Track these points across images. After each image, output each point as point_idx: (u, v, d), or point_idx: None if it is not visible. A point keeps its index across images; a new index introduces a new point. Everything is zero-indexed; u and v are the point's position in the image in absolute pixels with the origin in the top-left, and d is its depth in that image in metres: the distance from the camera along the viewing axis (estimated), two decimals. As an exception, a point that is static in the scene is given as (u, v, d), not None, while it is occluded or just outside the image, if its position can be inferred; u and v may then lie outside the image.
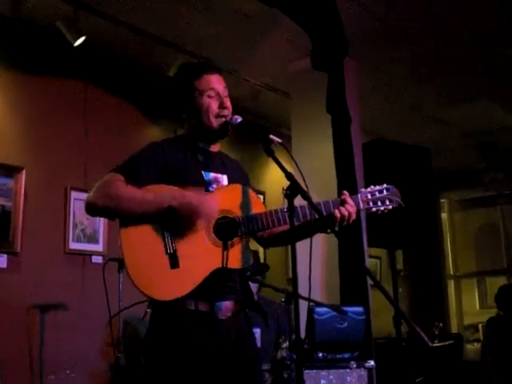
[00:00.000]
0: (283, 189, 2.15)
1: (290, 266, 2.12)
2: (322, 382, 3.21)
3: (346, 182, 4.52)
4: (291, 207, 2.14)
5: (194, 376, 2.14)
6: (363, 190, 2.43)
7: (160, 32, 4.93)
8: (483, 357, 6.16)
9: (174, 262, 2.17)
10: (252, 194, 2.37)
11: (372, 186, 2.42)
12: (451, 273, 9.86)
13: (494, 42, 5.22)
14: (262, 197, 6.61)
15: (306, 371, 3.17)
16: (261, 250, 6.48)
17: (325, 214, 2.30)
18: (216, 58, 5.37)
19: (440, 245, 9.25)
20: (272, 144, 2.30)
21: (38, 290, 4.41)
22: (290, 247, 2.10)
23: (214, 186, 2.33)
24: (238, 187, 2.36)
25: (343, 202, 2.33)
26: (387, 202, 2.44)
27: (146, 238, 2.16)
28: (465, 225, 9.95)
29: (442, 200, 9.68)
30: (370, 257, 6.91)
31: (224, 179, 2.39)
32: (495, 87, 6.22)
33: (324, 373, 3.23)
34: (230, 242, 2.24)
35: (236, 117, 2.41)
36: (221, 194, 2.30)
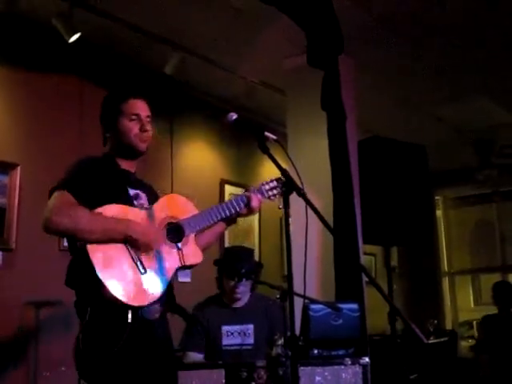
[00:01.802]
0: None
1: (285, 263, 2.13)
2: (317, 378, 3.20)
3: (341, 179, 4.52)
4: (286, 204, 2.15)
5: (127, 373, 2.29)
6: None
7: (156, 29, 4.92)
8: (478, 355, 6.18)
9: (142, 268, 2.32)
10: (184, 199, 2.64)
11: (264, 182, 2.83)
12: (446, 270, 9.88)
13: (492, 39, 5.22)
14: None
15: (301, 368, 3.15)
16: (256, 246, 6.49)
17: (238, 208, 2.69)
18: (211, 55, 5.37)
19: (435, 242, 9.28)
20: (267, 141, 2.32)
21: (33, 286, 4.40)
22: (285, 244, 2.11)
23: (140, 201, 2.54)
24: (172, 196, 2.66)
25: (249, 198, 2.71)
26: (278, 191, 2.77)
27: (112, 250, 2.29)
28: (460, 222, 9.97)
29: (436, 197, 9.69)
30: (365, 254, 6.93)
31: (144, 196, 2.59)
32: (492, 85, 6.23)
33: (319, 369, 3.22)
34: (181, 243, 2.48)
35: (231, 114, 2.43)
36: (162, 205, 2.53)
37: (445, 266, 9.89)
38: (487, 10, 4.73)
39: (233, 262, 3.66)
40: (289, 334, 2.14)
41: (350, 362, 3.31)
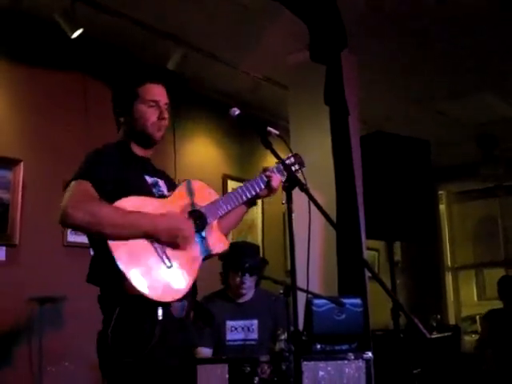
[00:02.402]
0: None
1: (289, 258, 2.13)
2: (321, 373, 3.21)
3: (344, 174, 4.52)
4: (289, 199, 2.15)
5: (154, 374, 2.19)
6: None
7: (159, 24, 4.91)
8: (482, 349, 6.18)
9: (168, 261, 2.22)
10: (203, 184, 2.53)
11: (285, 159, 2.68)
12: (449, 265, 9.88)
13: (496, 33, 5.21)
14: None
15: (305, 363, 3.17)
16: (259, 242, 6.50)
17: (259, 189, 2.59)
18: (215, 51, 5.37)
19: (438, 237, 9.26)
20: (270, 136, 2.33)
21: (37, 282, 4.41)
22: (288, 239, 2.12)
23: (159, 189, 2.43)
24: (190, 182, 2.48)
25: (269, 178, 2.61)
26: (297, 167, 2.73)
27: (135, 244, 2.18)
28: (463, 217, 9.96)
29: (440, 192, 9.68)
30: (368, 249, 6.93)
31: (162, 183, 2.48)
32: (496, 79, 6.22)
33: (322, 364, 3.23)
34: (205, 231, 2.39)
35: (234, 109, 2.42)
36: (181, 192, 2.42)
37: (448, 261, 9.88)
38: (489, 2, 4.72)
39: (240, 257, 3.64)
40: (292, 328, 2.14)
41: (353, 357, 3.31)
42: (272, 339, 3.37)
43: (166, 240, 2.22)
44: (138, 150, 2.48)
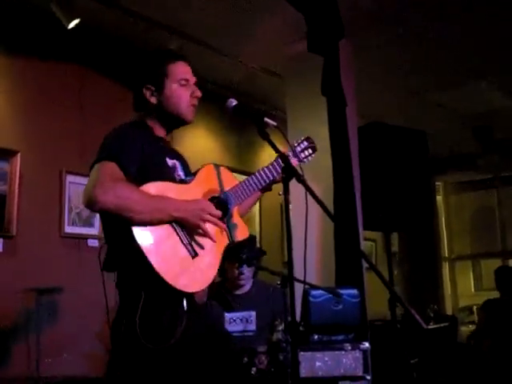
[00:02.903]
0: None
1: (286, 249, 2.13)
2: (318, 363, 3.22)
3: (342, 165, 4.51)
4: (286, 190, 2.15)
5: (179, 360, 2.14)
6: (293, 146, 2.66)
7: (156, 15, 4.89)
8: (479, 340, 6.20)
9: (192, 251, 2.17)
10: (223, 169, 2.47)
11: (295, 143, 2.67)
12: (446, 255, 9.91)
13: (494, 24, 5.19)
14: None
15: (302, 353, 3.18)
16: (257, 233, 6.50)
17: (276, 174, 2.49)
18: (211, 41, 5.35)
19: (435, 227, 9.29)
20: (267, 127, 2.31)
21: (34, 273, 4.41)
22: (285, 230, 2.12)
23: (178, 172, 2.36)
24: (211, 167, 2.43)
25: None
26: (310, 151, 2.69)
27: (160, 232, 2.11)
28: (460, 207, 9.99)
29: (437, 183, 9.69)
30: (366, 239, 6.95)
31: (179, 166, 2.41)
32: (492, 70, 6.21)
33: (319, 354, 3.24)
34: (227, 218, 2.33)
35: (231, 100, 2.40)
36: (202, 179, 2.36)
37: (445, 252, 9.92)
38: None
39: (237, 248, 3.63)
40: (289, 319, 2.15)
41: (350, 348, 3.32)
42: (270, 330, 3.38)
43: (193, 224, 2.16)
44: (158, 131, 2.42)
